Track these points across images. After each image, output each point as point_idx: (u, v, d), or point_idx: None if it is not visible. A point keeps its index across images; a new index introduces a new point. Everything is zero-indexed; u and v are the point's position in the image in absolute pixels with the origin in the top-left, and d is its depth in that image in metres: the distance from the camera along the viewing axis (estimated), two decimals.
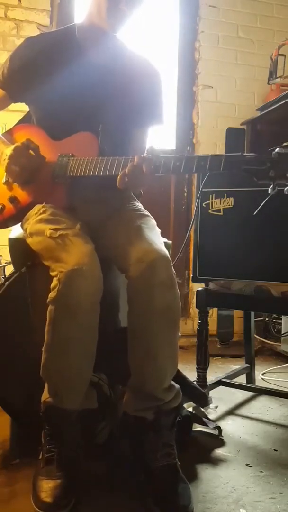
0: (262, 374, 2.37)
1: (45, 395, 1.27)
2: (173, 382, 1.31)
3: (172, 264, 1.27)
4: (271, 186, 1.10)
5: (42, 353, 1.24)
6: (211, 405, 1.72)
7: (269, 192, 1.11)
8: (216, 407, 1.76)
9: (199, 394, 1.65)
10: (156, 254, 1.24)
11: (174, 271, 1.27)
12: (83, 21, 1.47)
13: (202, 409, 1.63)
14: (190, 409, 1.63)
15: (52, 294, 1.22)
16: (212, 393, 1.90)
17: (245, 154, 1.14)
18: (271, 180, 1.10)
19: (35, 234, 1.34)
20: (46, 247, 1.29)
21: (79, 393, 1.26)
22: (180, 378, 1.44)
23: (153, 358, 1.25)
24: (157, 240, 1.33)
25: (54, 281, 1.22)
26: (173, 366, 1.30)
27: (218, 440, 1.59)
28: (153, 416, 1.26)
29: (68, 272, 1.19)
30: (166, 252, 1.28)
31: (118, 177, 1.25)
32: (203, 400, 1.66)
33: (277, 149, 1.09)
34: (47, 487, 1.15)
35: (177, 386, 1.33)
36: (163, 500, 1.16)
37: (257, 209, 1.23)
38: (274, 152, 1.09)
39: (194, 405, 1.65)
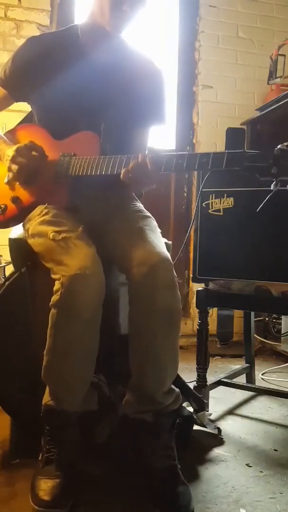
0: (262, 374, 2.37)
1: (46, 398, 1.27)
2: (173, 386, 1.31)
3: (173, 267, 1.27)
4: (274, 182, 1.10)
5: (44, 356, 1.24)
6: (206, 412, 1.72)
7: (271, 188, 1.11)
8: (211, 414, 1.76)
9: (195, 398, 1.65)
10: (158, 257, 1.24)
11: (175, 274, 1.27)
12: (86, 21, 1.47)
13: (195, 416, 1.62)
14: (191, 409, 1.63)
15: (54, 298, 1.22)
16: (212, 393, 1.90)
17: (247, 151, 1.13)
18: (274, 176, 1.09)
19: (37, 236, 1.34)
20: (48, 249, 1.29)
21: (80, 396, 1.26)
22: (177, 381, 1.43)
23: (153, 360, 1.24)
24: (159, 243, 1.33)
25: (57, 285, 1.21)
26: (174, 369, 1.30)
27: (218, 440, 1.59)
28: (152, 418, 1.26)
29: (71, 276, 1.18)
30: (168, 255, 1.28)
31: (122, 172, 1.25)
32: (199, 405, 1.65)
33: (279, 145, 1.09)
34: (46, 487, 1.15)
35: (177, 390, 1.32)
36: (163, 502, 1.16)
37: (260, 206, 1.22)
38: (276, 149, 1.09)
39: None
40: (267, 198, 1.19)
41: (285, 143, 1.11)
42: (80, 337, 1.22)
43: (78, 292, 1.19)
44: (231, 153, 1.14)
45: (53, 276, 1.25)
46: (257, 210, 1.23)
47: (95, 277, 1.21)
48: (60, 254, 1.25)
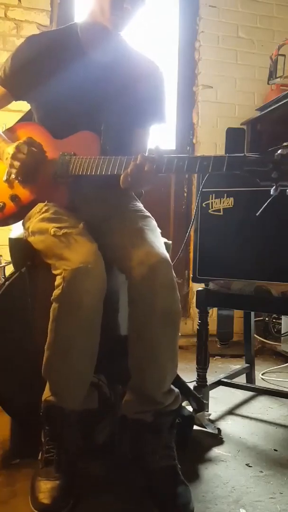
0: (262, 374, 2.37)
1: (46, 394, 1.27)
2: (172, 386, 1.31)
3: (172, 267, 1.27)
4: (274, 187, 1.10)
5: (44, 351, 1.24)
6: (206, 412, 1.72)
7: (271, 193, 1.11)
8: (210, 414, 1.76)
9: (195, 398, 1.65)
10: (157, 257, 1.24)
11: (174, 274, 1.27)
12: (86, 20, 1.47)
13: (194, 416, 1.62)
14: (191, 409, 1.63)
15: (56, 292, 1.22)
16: (212, 393, 1.90)
17: (247, 155, 1.13)
18: (274, 181, 1.09)
19: (38, 233, 1.34)
20: (49, 245, 1.29)
21: (80, 393, 1.26)
22: (177, 381, 1.43)
23: (153, 360, 1.24)
24: (159, 243, 1.33)
25: (58, 279, 1.22)
26: (173, 369, 1.30)
27: (218, 440, 1.59)
28: (152, 418, 1.26)
29: (73, 270, 1.19)
30: (167, 255, 1.28)
31: (121, 177, 1.25)
32: (199, 405, 1.65)
33: (280, 150, 1.08)
34: (45, 488, 1.15)
35: (176, 390, 1.32)
36: (163, 501, 1.16)
37: (260, 211, 1.22)
38: (276, 154, 1.08)
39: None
40: (266, 203, 1.19)
41: (285, 143, 1.11)
42: (81, 331, 1.22)
43: (79, 286, 1.19)
44: (231, 157, 1.14)
45: (54, 271, 1.25)
46: (257, 215, 1.23)
47: (96, 272, 1.21)
48: (61, 249, 1.25)
